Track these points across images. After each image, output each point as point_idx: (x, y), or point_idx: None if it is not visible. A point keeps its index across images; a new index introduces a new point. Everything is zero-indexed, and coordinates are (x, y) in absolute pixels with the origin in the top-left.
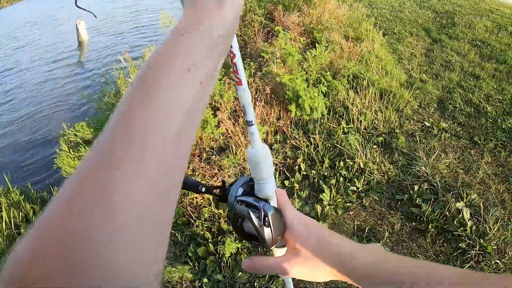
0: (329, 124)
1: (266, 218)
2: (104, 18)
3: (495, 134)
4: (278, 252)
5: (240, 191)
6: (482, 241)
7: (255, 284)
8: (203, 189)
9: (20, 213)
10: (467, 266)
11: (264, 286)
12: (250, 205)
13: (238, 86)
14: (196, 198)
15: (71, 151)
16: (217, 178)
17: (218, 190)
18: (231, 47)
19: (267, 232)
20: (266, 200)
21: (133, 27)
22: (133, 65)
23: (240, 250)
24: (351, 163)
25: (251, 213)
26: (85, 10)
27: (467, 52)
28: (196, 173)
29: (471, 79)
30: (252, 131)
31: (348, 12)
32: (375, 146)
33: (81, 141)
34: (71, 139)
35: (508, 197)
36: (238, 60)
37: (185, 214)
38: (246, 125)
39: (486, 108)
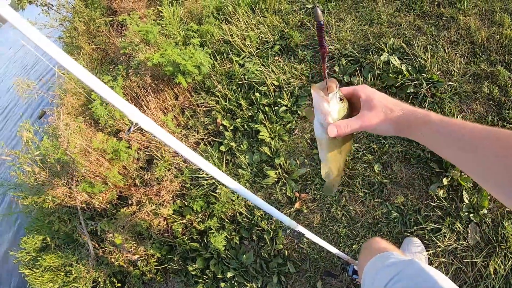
0: (223, 68)
1: None
2: None
3: None
4: None
5: None
6: (425, 74)
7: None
8: None
9: None
10: (427, 104)
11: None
12: None
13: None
14: (159, 224)
15: (34, 269)
16: (161, 194)
17: None
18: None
19: None
20: None
21: None
22: (20, 154)
23: (229, 237)
24: (265, 88)
25: None
26: None
27: None
28: (143, 201)
29: None
30: None
31: None
32: (276, 58)
33: (36, 253)
34: (26, 259)
35: (421, 22)
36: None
37: (162, 243)
38: None
39: None
